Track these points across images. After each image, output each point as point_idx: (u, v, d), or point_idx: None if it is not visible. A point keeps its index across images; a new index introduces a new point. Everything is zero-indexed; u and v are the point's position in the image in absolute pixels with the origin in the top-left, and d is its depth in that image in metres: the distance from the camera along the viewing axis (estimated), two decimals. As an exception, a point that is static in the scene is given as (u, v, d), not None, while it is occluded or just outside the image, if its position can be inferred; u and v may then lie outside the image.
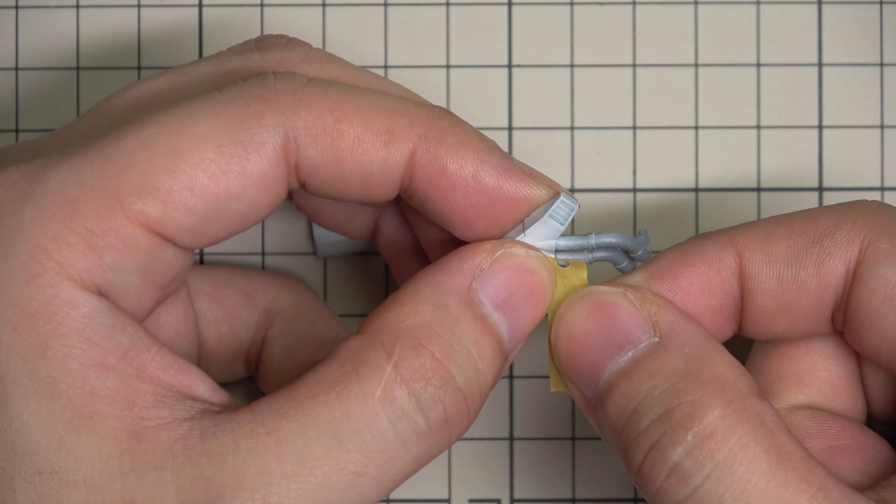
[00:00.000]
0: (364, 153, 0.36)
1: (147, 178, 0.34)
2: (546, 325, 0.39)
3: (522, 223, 0.38)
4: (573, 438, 0.48)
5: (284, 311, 0.44)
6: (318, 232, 0.47)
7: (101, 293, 0.34)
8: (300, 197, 0.42)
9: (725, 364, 0.37)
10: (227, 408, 0.35)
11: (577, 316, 0.38)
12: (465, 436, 0.48)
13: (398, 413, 0.34)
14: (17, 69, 0.48)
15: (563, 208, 0.38)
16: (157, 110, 0.35)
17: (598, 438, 0.48)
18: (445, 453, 0.48)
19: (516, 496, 0.48)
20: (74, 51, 0.48)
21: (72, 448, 0.34)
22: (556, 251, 0.38)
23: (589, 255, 0.39)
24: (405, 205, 0.40)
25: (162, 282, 0.36)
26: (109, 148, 0.35)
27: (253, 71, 0.38)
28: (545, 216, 0.38)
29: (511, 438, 0.48)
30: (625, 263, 0.39)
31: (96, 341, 0.34)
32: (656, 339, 0.37)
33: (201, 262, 0.48)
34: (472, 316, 0.36)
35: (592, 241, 0.39)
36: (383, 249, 0.43)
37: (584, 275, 0.39)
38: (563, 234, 0.38)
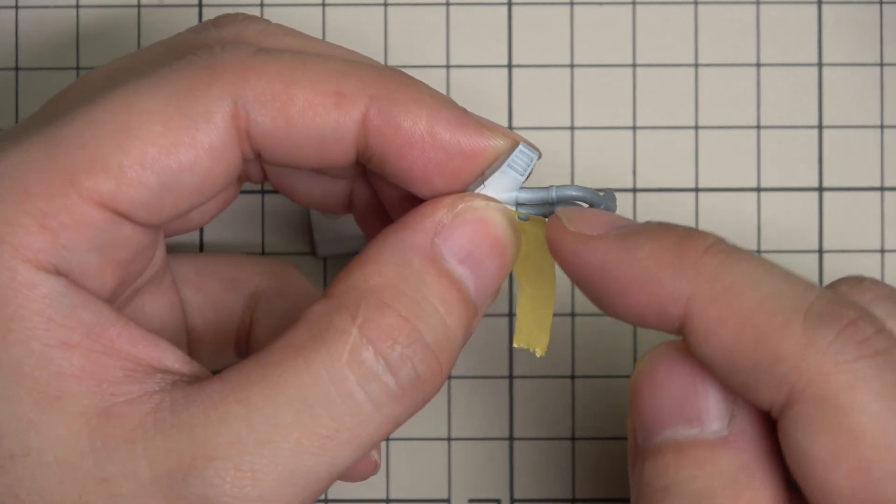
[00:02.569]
0: (315, 117, 0.36)
1: (97, 156, 0.34)
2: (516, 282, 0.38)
3: (483, 176, 0.37)
4: (573, 438, 0.48)
5: (268, 294, 0.43)
6: (318, 232, 0.47)
7: (60, 272, 0.34)
8: (273, 174, 0.41)
9: (766, 491, 0.34)
10: (198, 378, 0.35)
11: (667, 370, 0.36)
12: (465, 436, 0.48)
13: (366, 375, 0.34)
14: (17, 69, 0.48)
15: (521, 158, 0.37)
16: (106, 90, 0.36)
17: (598, 438, 0.48)
18: (445, 453, 0.48)
19: (516, 496, 0.48)
20: (74, 51, 0.48)
21: (41, 429, 0.33)
22: (518, 204, 0.38)
23: (551, 209, 0.38)
24: (369, 171, 0.40)
25: (123, 259, 0.36)
26: (58, 130, 0.35)
27: (206, 46, 0.37)
28: (503, 166, 0.37)
29: (511, 438, 0.48)
30: None
31: (58, 321, 0.34)
32: (725, 434, 0.35)
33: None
34: (436, 272, 0.36)
35: (553, 193, 0.38)
36: (360, 221, 0.42)
37: (543, 232, 0.38)
38: (525, 187, 0.38)
